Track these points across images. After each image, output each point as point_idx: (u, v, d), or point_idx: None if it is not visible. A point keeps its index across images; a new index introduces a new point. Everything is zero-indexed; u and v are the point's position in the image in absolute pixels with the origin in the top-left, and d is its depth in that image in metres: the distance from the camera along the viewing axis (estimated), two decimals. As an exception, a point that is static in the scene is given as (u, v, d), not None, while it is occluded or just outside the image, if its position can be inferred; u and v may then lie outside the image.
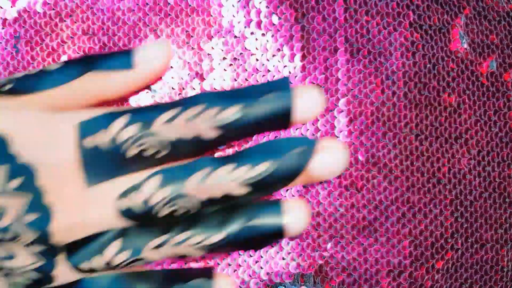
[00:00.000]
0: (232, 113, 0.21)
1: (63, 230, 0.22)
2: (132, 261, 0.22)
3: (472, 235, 0.30)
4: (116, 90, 0.23)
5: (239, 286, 0.29)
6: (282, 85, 0.21)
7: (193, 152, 0.22)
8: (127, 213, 0.22)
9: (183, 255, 0.23)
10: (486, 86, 0.30)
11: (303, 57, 0.30)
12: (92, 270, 0.23)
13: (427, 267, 0.30)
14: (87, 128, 0.22)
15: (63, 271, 0.23)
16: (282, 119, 0.22)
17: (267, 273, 0.29)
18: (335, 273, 0.29)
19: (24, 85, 0.22)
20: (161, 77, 0.26)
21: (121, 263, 0.22)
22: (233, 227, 0.22)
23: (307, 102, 0.21)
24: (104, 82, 0.23)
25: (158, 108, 0.22)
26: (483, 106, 0.30)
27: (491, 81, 0.30)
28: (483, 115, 0.30)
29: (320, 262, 0.29)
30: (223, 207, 0.23)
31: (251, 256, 0.30)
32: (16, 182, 0.21)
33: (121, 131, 0.22)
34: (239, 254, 0.29)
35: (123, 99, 0.28)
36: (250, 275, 0.29)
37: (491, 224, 0.30)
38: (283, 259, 0.30)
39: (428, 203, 0.30)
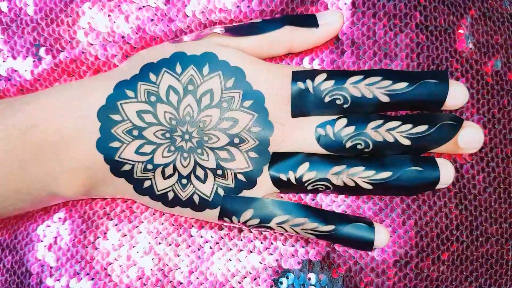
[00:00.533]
0: (401, 86, 0.28)
1: (278, 141, 0.29)
2: (317, 181, 0.29)
3: (477, 228, 0.31)
4: (302, 44, 0.30)
5: (248, 272, 0.31)
6: (442, 76, 0.29)
7: (366, 109, 0.29)
8: (322, 140, 0.29)
9: (354, 187, 0.29)
10: (491, 84, 0.31)
11: (312, 60, 0.31)
12: (284, 185, 0.29)
13: (433, 258, 0.31)
14: (298, 76, 0.29)
15: (264, 180, 0.30)
16: (436, 101, 0.29)
17: (276, 260, 0.31)
18: (342, 261, 0.31)
19: (238, 29, 0.29)
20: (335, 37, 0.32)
21: (309, 180, 0.29)
22: (397, 171, 0.29)
23: (457, 93, 0.28)
24: (296, 36, 0.30)
25: (346, 72, 0.29)
26: (487, 104, 0.31)
27: (495, 79, 0.31)
28: (487, 113, 0.31)
29: (328, 249, 0.31)
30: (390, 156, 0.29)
31: (261, 243, 0.31)
32: (249, 103, 0.29)
33: (321, 83, 0.29)
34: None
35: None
36: (260, 262, 0.31)
37: (496, 218, 0.31)
38: (292, 246, 0.31)
39: (431, 195, 0.31)
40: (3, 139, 0.27)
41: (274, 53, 0.31)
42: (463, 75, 0.31)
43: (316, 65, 0.31)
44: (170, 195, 0.29)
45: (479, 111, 0.31)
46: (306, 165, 0.29)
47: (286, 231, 0.29)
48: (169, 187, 0.29)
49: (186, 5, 0.31)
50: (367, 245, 0.29)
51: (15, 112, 0.27)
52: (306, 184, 0.29)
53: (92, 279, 0.31)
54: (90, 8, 0.31)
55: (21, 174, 0.28)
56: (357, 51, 0.31)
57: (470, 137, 0.29)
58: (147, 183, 0.29)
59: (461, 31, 0.31)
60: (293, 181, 0.29)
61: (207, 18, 0.31)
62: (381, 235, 0.29)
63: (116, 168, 0.28)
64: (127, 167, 0.28)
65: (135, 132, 0.28)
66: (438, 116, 0.29)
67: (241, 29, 0.30)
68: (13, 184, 0.28)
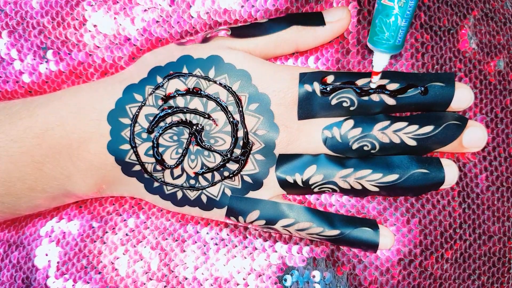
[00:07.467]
0: (408, 89, 0.31)
1: (284, 143, 0.32)
2: (324, 184, 0.31)
3: (479, 227, 0.33)
4: (309, 43, 0.32)
5: (253, 269, 0.33)
6: (448, 78, 0.31)
7: (372, 111, 0.31)
8: (328, 142, 0.31)
9: (361, 189, 0.31)
10: (494, 84, 0.33)
11: (317, 59, 0.34)
12: (291, 186, 0.31)
13: (437, 256, 0.33)
14: (305, 78, 0.31)
15: (270, 182, 0.32)
16: (442, 104, 0.31)
17: (281, 257, 0.33)
18: (347, 259, 0.33)
19: (244, 31, 0.32)
20: (341, 34, 0.34)
21: (315, 183, 0.31)
22: (403, 173, 0.31)
23: (463, 96, 0.31)
24: (303, 35, 0.32)
25: (353, 74, 0.31)
26: (490, 103, 0.33)
27: (498, 79, 0.34)
28: (490, 112, 0.33)
29: (332, 247, 0.33)
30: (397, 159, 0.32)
31: (266, 240, 0.33)
32: (254, 106, 0.31)
33: (328, 85, 0.31)
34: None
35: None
36: (265, 259, 0.33)
37: (499, 217, 0.33)
38: (297, 244, 0.33)
39: (435, 194, 0.33)
40: (17, 141, 0.30)
41: (281, 53, 0.33)
42: (466, 75, 0.33)
43: (320, 65, 0.33)
44: (179, 195, 0.32)
45: (482, 110, 0.33)
46: (313, 167, 0.31)
47: (291, 233, 0.31)
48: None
49: (191, 6, 0.33)
50: (372, 248, 0.31)
51: (30, 115, 0.30)
52: (313, 187, 0.32)
53: (99, 273, 0.33)
54: (96, 11, 0.34)
55: (35, 174, 0.30)
56: (362, 51, 0.34)
57: (474, 137, 0.31)
58: (157, 183, 0.31)
59: (464, 31, 0.34)
60: (299, 183, 0.31)
61: (212, 19, 0.33)
62: (386, 239, 0.31)
63: (127, 168, 0.31)
64: (137, 167, 0.31)
65: (144, 135, 0.31)
66: (443, 116, 0.32)
67: (247, 30, 0.32)
68: (28, 183, 0.31)
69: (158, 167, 0.31)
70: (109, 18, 0.33)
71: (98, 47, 0.34)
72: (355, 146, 0.31)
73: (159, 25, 0.33)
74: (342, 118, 0.32)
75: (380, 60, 0.29)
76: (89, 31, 0.33)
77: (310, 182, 0.31)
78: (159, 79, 0.31)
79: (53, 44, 0.34)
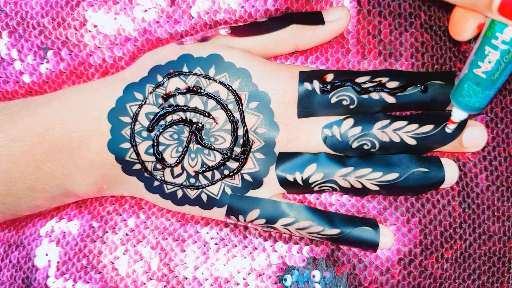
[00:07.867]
0: (408, 87, 0.31)
1: (284, 142, 0.32)
2: (324, 183, 0.31)
3: (479, 226, 0.33)
4: (309, 42, 0.33)
5: (253, 269, 0.33)
6: (448, 77, 0.31)
7: (372, 109, 0.32)
8: (328, 140, 0.32)
9: (361, 188, 0.31)
10: (494, 84, 0.34)
11: (317, 59, 0.34)
12: (291, 185, 0.32)
13: (437, 256, 0.33)
14: (305, 76, 0.31)
15: (270, 180, 0.32)
16: (442, 102, 0.32)
17: (281, 257, 0.33)
18: (346, 259, 0.33)
19: (244, 29, 0.32)
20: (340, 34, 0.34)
21: (316, 181, 0.32)
22: (403, 172, 0.31)
23: None
24: (302, 34, 0.32)
25: (353, 73, 0.32)
26: (490, 103, 0.34)
27: (498, 79, 0.34)
28: (490, 112, 0.33)
29: (332, 247, 0.33)
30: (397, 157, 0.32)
31: (267, 240, 0.33)
32: (254, 104, 0.31)
33: (328, 83, 0.31)
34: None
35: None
36: (265, 258, 0.33)
37: (499, 216, 0.33)
38: (297, 243, 0.33)
39: (435, 194, 0.33)
40: (18, 140, 0.30)
41: (280, 52, 0.33)
42: (466, 75, 0.33)
43: (320, 64, 0.34)
44: (179, 194, 0.32)
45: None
46: (313, 166, 0.31)
47: (292, 232, 0.32)
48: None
49: (191, 6, 0.34)
50: (372, 247, 0.32)
51: (30, 114, 0.31)
52: (313, 186, 0.32)
53: (99, 272, 0.33)
54: (96, 11, 0.34)
55: (36, 173, 0.31)
56: (362, 50, 0.34)
57: (474, 136, 0.32)
58: (157, 182, 0.32)
59: (464, 31, 0.34)
60: (299, 182, 0.32)
61: (212, 19, 0.34)
62: (386, 238, 0.32)
63: (127, 167, 0.32)
64: (137, 166, 0.32)
65: (144, 134, 0.31)
66: (443, 116, 0.32)
67: (247, 29, 0.32)
68: (28, 183, 0.31)
69: (158, 166, 0.31)
70: (109, 18, 0.34)
71: (99, 47, 0.34)
72: (355, 145, 0.31)
73: (160, 26, 0.34)
74: (342, 117, 0.32)
75: (461, 115, 0.29)
76: (90, 31, 0.34)
77: (310, 181, 0.31)
78: (160, 78, 0.31)
79: (54, 44, 0.34)
